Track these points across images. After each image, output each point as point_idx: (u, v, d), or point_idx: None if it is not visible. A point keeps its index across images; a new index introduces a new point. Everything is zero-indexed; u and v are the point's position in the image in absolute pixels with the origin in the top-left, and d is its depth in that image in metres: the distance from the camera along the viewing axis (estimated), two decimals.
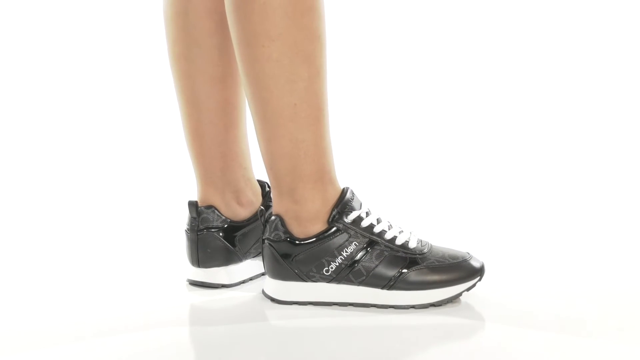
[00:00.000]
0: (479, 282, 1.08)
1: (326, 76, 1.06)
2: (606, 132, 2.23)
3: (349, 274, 1.06)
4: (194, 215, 1.17)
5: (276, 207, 1.09)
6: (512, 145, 2.20)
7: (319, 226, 1.07)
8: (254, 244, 1.20)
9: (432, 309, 1.05)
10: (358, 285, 1.06)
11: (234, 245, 1.18)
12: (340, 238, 1.07)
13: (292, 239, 1.07)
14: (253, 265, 1.21)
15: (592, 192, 1.83)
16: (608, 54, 2.39)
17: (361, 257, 1.06)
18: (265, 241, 1.09)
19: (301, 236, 1.07)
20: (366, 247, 1.07)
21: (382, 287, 1.06)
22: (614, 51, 2.39)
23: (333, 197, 1.08)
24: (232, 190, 1.19)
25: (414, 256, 1.07)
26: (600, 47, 2.39)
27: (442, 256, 1.08)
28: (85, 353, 0.95)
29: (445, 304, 1.06)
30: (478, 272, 1.08)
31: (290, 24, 1.01)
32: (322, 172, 1.07)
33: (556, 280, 1.20)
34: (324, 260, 1.07)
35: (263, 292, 1.12)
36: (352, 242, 1.07)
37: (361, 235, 1.07)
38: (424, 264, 1.07)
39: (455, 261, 1.07)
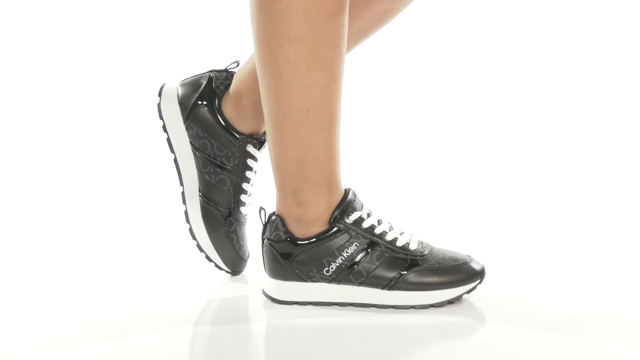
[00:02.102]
0: (479, 285, 1.08)
1: (342, 84, 1.05)
2: (606, 133, 2.23)
3: (349, 274, 1.06)
4: None
5: (279, 207, 1.09)
6: (511, 148, 2.20)
7: (320, 228, 1.07)
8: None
9: (432, 309, 1.05)
10: (358, 285, 1.06)
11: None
12: (341, 239, 1.06)
13: (292, 239, 1.07)
14: None
15: (591, 193, 1.83)
16: (608, 54, 2.39)
17: (361, 258, 1.06)
18: (266, 241, 1.09)
19: (302, 237, 1.07)
20: (367, 248, 1.07)
21: (383, 288, 1.06)
22: (614, 51, 2.39)
23: (337, 202, 1.08)
24: (241, 91, 1.20)
25: (414, 258, 1.07)
26: (600, 47, 2.40)
27: (443, 258, 1.08)
28: (86, 353, 0.95)
29: (446, 305, 1.06)
30: (479, 274, 1.07)
31: (311, 29, 1.00)
32: (329, 178, 1.07)
33: (556, 281, 1.20)
34: (324, 261, 1.06)
35: (263, 292, 1.12)
36: (352, 243, 1.06)
37: (362, 236, 1.07)
38: (425, 265, 1.06)
39: (456, 263, 1.07)
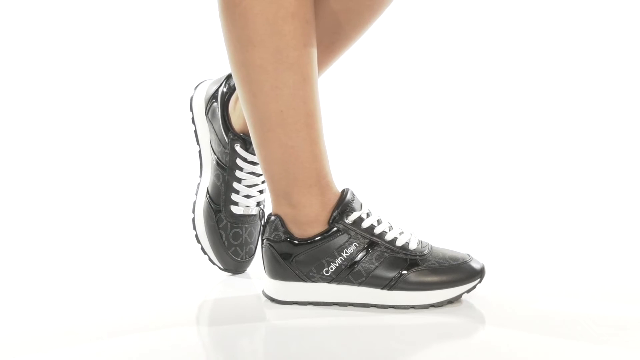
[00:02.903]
0: (479, 284, 1.08)
1: (315, 83, 1.04)
2: (606, 133, 2.23)
3: (349, 274, 1.06)
4: None
5: (274, 210, 1.09)
6: (511, 147, 2.20)
7: (318, 229, 1.07)
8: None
9: (432, 309, 1.05)
10: (358, 285, 1.06)
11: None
12: (341, 239, 1.06)
13: (292, 239, 1.07)
14: None
15: (591, 193, 1.83)
16: (608, 54, 2.39)
17: (361, 258, 1.06)
18: (265, 241, 1.09)
19: (301, 237, 1.07)
20: (366, 248, 1.06)
21: (382, 288, 1.06)
22: (614, 51, 2.39)
23: (332, 201, 1.07)
24: None
25: (414, 257, 1.07)
26: (600, 47, 2.40)
27: (443, 258, 1.08)
28: (86, 353, 0.95)
29: (446, 304, 1.06)
30: (478, 273, 1.07)
31: (272, 30, 1.00)
32: (317, 177, 1.06)
33: (556, 281, 1.20)
34: (324, 261, 1.07)
35: (263, 292, 1.12)
36: (352, 243, 1.06)
37: (361, 236, 1.07)
38: (424, 265, 1.06)
39: (456, 263, 1.07)
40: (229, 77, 1.25)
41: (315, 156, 1.06)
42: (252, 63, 1.02)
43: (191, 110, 1.27)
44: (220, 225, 1.21)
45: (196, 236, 1.24)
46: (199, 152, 1.26)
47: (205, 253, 1.24)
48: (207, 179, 1.24)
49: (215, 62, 1.59)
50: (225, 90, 1.23)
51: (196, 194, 1.25)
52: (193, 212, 1.25)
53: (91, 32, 2.38)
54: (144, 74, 2.35)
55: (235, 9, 1.01)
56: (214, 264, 1.24)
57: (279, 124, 1.04)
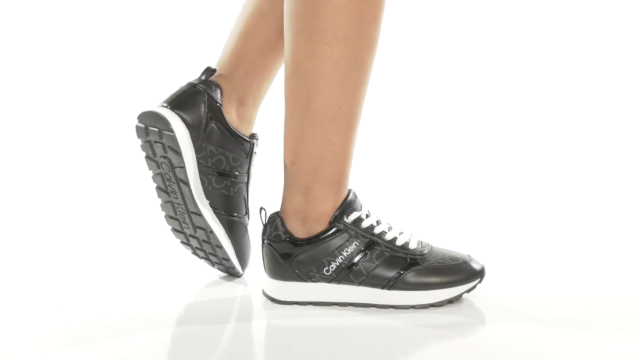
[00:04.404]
0: (479, 284, 1.08)
1: (367, 86, 1.08)
2: (606, 133, 2.23)
3: (349, 274, 1.06)
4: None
5: (285, 204, 1.09)
6: (511, 147, 2.20)
7: (322, 227, 1.07)
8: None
9: (432, 309, 1.05)
10: (358, 285, 1.06)
11: None
12: (341, 238, 1.07)
13: (292, 239, 1.07)
14: None
15: (591, 193, 1.83)
16: (608, 54, 2.39)
17: (361, 258, 1.06)
18: (265, 241, 1.09)
19: (303, 236, 1.07)
20: (366, 248, 1.07)
21: (382, 287, 1.06)
22: (614, 51, 2.39)
23: (341, 201, 1.08)
24: (239, 96, 1.18)
25: (414, 257, 1.07)
26: (600, 47, 2.40)
27: (443, 257, 1.08)
28: (86, 353, 0.95)
29: (446, 304, 1.06)
30: (478, 274, 1.08)
31: (357, 29, 1.02)
32: (342, 177, 1.08)
33: (556, 281, 1.20)
34: (324, 261, 1.07)
35: (263, 292, 1.12)
36: (352, 243, 1.07)
37: (361, 235, 1.07)
38: (424, 265, 1.07)
39: (456, 263, 1.07)
40: (210, 96, 1.13)
41: (348, 156, 1.08)
42: (329, 56, 1.02)
43: (179, 152, 1.10)
44: (242, 232, 1.19)
45: (225, 259, 1.17)
46: (190, 188, 1.12)
47: (232, 269, 1.19)
48: (206, 202, 1.14)
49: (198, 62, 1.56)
50: (218, 107, 1.14)
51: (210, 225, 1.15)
52: (219, 244, 1.15)
53: (80, 33, 2.38)
54: (134, 75, 2.35)
55: (327, 2, 1.01)
56: (236, 274, 1.21)
57: (332, 120, 1.05)
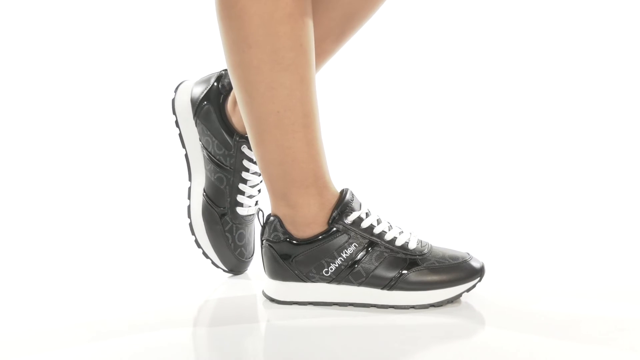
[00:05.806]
0: (479, 283, 1.08)
1: (312, 83, 1.05)
2: (606, 133, 2.23)
3: (349, 275, 1.06)
4: None
5: (273, 210, 1.09)
6: (511, 146, 2.20)
7: (317, 229, 1.07)
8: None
9: (432, 309, 1.05)
10: (358, 285, 1.06)
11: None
12: (340, 239, 1.07)
13: (291, 240, 1.07)
14: None
15: (591, 192, 1.83)
16: (608, 54, 2.39)
17: (361, 258, 1.06)
18: (265, 242, 1.09)
19: (300, 238, 1.07)
20: (366, 248, 1.07)
21: (382, 288, 1.06)
22: (614, 51, 2.39)
23: (330, 201, 1.07)
24: None
25: (414, 257, 1.07)
26: (600, 47, 2.40)
27: (442, 257, 1.08)
28: (86, 353, 0.95)
29: (446, 304, 1.06)
30: (478, 272, 1.08)
31: (267, 31, 1.01)
32: (314, 178, 1.06)
33: (556, 280, 1.20)
34: (323, 261, 1.07)
35: (263, 292, 1.12)
36: (352, 243, 1.07)
37: (361, 236, 1.07)
38: (424, 264, 1.07)
39: (456, 262, 1.07)
40: (219, 78, 1.22)
41: (312, 157, 1.06)
42: (249, 64, 1.02)
43: (174, 113, 1.24)
44: (226, 228, 1.21)
45: (196, 241, 1.23)
46: (186, 155, 1.23)
47: (207, 257, 1.23)
48: (200, 182, 1.22)
49: (202, 62, 1.58)
50: (218, 91, 1.21)
51: (189, 198, 1.23)
52: (189, 216, 1.23)
53: (77, 34, 2.38)
54: (131, 74, 2.35)
55: (231, 10, 1.01)
56: (218, 266, 1.23)
57: (276, 125, 1.04)
